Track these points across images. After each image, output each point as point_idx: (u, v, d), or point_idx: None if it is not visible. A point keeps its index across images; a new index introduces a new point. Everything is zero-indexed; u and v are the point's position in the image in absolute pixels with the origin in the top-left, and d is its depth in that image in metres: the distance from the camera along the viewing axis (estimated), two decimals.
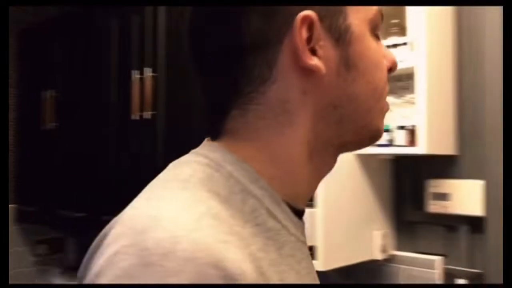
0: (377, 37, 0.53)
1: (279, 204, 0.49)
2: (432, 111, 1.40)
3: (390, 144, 1.47)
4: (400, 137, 1.44)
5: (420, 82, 1.38)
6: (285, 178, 0.49)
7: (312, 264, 0.56)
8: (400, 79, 1.50)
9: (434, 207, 1.53)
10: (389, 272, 1.62)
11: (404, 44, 1.42)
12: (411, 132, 1.43)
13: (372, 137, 0.55)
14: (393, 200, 1.66)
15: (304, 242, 0.53)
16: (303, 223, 0.54)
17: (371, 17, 0.52)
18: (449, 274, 1.49)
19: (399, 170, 1.65)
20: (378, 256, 1.58)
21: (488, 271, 1.45)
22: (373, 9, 0.52)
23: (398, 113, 1.52)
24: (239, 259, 0.40)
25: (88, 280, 0.40)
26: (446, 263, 1.52)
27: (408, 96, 1.50)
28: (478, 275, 1.46)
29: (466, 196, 1.47)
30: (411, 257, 1.58)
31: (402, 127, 1.45)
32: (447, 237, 1.54)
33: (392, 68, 0.55)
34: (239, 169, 0.47)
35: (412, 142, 1.41)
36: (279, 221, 0.48)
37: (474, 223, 1.48)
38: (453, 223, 1.52)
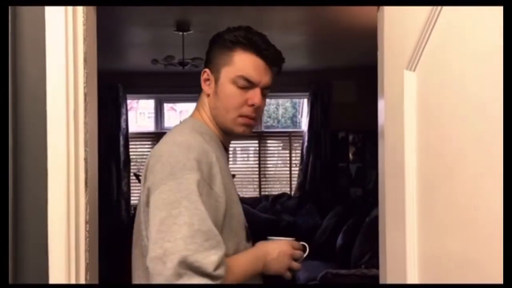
0: (239, 86, 1.23)
1: (219, 142, 1.29)
2: None
3: None
4: None
5: None
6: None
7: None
8: None
9: None
10: None
11: None
12: None
13: (228, 132, 1.28)
14: None
15: (228, 164, 1.32)
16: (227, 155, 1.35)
17: (232, 76, 1.23)
18: None
19: None
20: None
21: None
22: (236, 74, 1.23)
23: None
24: (203, 142, 1.18)
25: (150, 176, 1.14)
26: None
27: None
28: None
29: None
30: None
31: None
32: None
33: (252, 103, 1.24)
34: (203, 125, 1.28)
35: None
36: (219, 146, 1.27)
37: None
38: None
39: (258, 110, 1.26)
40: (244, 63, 1.23)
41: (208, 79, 1.28)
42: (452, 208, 0.89)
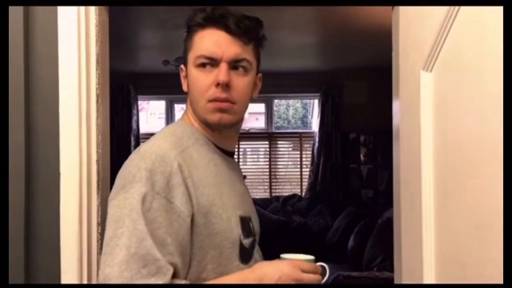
0: (203, 65, 1.07)
1: (208, 143, 1.11)
2: None
3: None
4: None
5: None
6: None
7: (241, 185, 1.19)
8: None
9: None
10: None
11: None
12: None
13: (204, 122, 1.10)
14: None
15: (232, 168, 1.15)
16: (231, 158, 1.19)
17: (193, 59, 1.08)
18: None
19: None
20: None
21: None
22: (196, 55, 1.07)
23: None
24: (167, 149, 1.00)
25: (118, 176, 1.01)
26: None
27: None
28: None
29: None
30: None
31: None
32: None
33: (218, 83, 1.04)
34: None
35: None
36: (208, 150, 1.09)
37: None
38: None
39: (230, 89, 1.06)
40: (202, 40, 1.07)
41: (185, 76, 1.13)
42: (471, 209, 0.87)
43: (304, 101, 6.26)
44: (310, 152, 5.74)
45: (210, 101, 1.06)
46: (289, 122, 6.43)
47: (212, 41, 1.06)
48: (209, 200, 1.01)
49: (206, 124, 1.10)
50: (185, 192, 0.97)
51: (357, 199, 5.33)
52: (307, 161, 5.80)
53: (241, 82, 1.08)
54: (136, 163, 0.98)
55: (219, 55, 1.05)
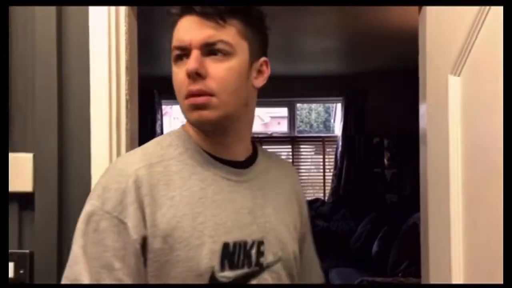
0: (180, 58, 0.92)
1: (201, 153, 0.95)
2: None
3: None
4: None
5: None
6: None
7: (255, 202, 0.96)
8: None
9: None
10: None
11: None
12: None
13: (189, 122, 0.96)
14: None
15: (240, 181, 0.96)
16: (240, 169, 0.97)
17: (172, 52, 0.93)
18: None
19: None
20: None
21: (38, 251, 1.30)
22: (172, 46, 0.93)
23: None
24: (129, 162, 0.89)
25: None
26: None
27: None
28: (26, 255, 1.29)
29: (13, 171, 1.27)
30: None
31: None
32: None
33: (187, 73, 0.89)
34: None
35: None
36: (198, 162, 0.93)
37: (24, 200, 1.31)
38: None
39: (204, 79, 0.89)
40: (176, 31, 0.94)
41: None
42: (500, 215, 0.86)
43: (327, 105, 6.25)
44: (333, 156, 5.72)
45: (186, 98, 0.91)
46: (311, 126, 6.42)
47: (182, 28, 0.92)
48: (172, 222, 0.86)
49: (195, 127, 0.96)
50: (137, 213, 0.85)
51: (381, 204, 5.28)
52: (330, 165, 5.77)
53: (220, 68, 0.89)
54: (98, 179, 0.92)
55: (187, 42, 0.90)
